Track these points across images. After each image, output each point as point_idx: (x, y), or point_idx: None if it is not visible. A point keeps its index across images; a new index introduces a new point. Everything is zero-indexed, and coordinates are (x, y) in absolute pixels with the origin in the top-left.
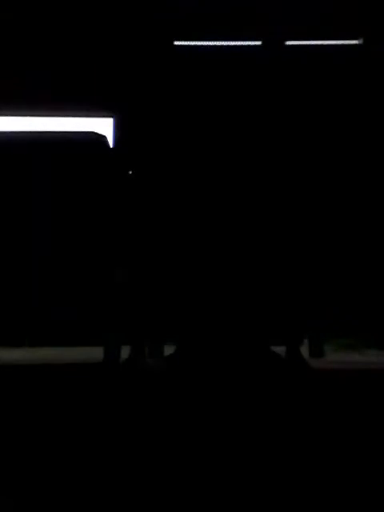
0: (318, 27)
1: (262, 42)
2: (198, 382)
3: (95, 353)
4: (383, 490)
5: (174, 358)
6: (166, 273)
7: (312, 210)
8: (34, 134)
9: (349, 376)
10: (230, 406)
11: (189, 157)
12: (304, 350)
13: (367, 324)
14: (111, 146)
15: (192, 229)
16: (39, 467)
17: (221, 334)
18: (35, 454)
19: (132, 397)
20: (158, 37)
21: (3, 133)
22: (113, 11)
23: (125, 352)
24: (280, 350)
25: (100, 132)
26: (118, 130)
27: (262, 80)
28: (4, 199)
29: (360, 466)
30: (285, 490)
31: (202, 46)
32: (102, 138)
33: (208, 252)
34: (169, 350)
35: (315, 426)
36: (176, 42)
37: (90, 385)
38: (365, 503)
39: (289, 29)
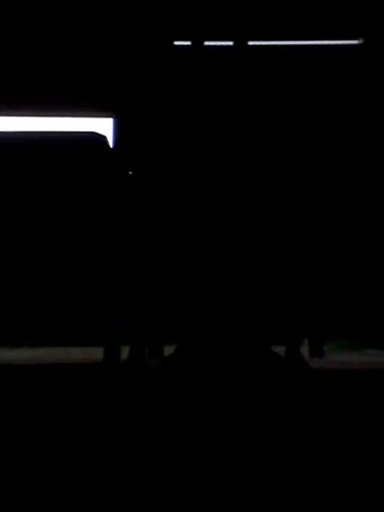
0: (318, 27)
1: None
2: (197, 382)
3: (95, 353)
4: (383, 490)
5: (174, 358)
6: (166, 273)
7: (312, 210)
8: (34, 133)
9: (349, 376)
10: (230, 406)
11: (189, 157)
12: (304, 350)
13: (367, 324)
14: (111, 145)
15: (192, 230)
16: (39, 467)
17: (221, 334)
18: (35, 454)
19: (132, 397)
20: (158, 37)
21: (3, 133)
22: (113, 11)
23: (125, 352)
24: (280, 350)
25: (100, 132)
26: (118, 130)
27: (262, 80)
28: (3, 199)
29: (360, 465)
30: (285, 489)
31: (202, 46)
32: (102, 137)
33: (208, 252)
34: (169, 350)
35: (315, 426)
36: (176, 42)
37: (89, 385)
38: (365, 503)
39: (288, 29)
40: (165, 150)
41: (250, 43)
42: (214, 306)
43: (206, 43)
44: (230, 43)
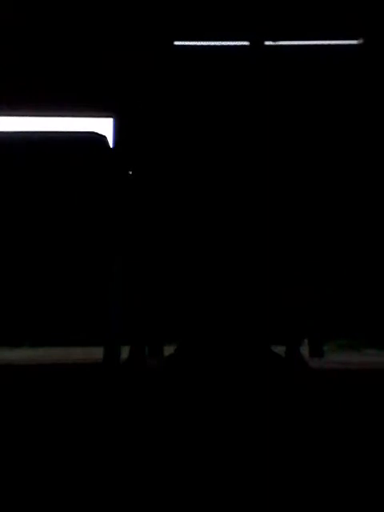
0: (318, 27)
1: (256, 42)
2: (197, 382)
3: (95, 353)
4: (383, 490)
5: (174, 358)
6: (166, 273)
7: (312, 211)
8: (34, 133)
9: (349, 376)
10: (230, 406)
11: (189, 157)
12: (304, 350)
13: (367, 324)
14: (111, 145)
15: (192, 230)
16: (39, 467)
17: (220, 334)
18: (35, 454)
19: (132, 397)
20: (158, 37)
21: (3, 133)
22: (113, 11)
23: (125, 352)
24: (280, 350)
25: (100, 132)
26: (118, 130)
27: (262, 80)
28: (3, 199)
29: (360, 466)
30: (284, 489)
31: (202, 46)
32: (102, 137)
33: (207, 253)
34: (169, 350)
35: (315, 426)
36: (176, 42)
37: (89, 385)
38: (365, 503)
39: (288, 29)
40: (164, 150)
41: (248, 43)
42: (213, 307)
43: (204, 43)
44: (229, 43)
